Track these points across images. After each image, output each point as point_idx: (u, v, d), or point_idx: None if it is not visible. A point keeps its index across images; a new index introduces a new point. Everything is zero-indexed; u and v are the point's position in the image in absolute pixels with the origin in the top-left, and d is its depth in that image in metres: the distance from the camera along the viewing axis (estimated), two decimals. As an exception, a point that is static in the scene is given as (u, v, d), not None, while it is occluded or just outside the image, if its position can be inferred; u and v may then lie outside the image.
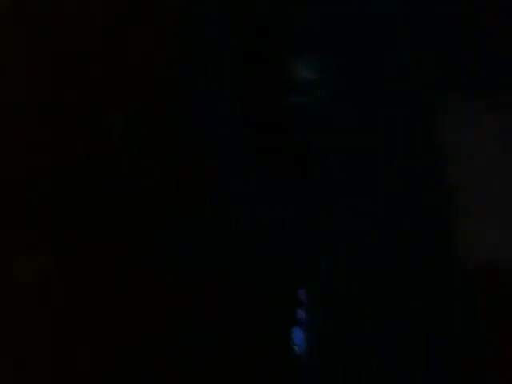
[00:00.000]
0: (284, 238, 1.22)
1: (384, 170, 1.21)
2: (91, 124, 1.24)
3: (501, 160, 1.19)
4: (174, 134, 1.27)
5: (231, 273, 1.20)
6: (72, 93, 1.24)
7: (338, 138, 1.25)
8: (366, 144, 1.23)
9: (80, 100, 1.24)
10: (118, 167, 1.24)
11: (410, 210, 1.18)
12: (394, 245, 1.19)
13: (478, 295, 1.14)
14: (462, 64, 1.22)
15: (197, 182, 1.25)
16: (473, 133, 1.20)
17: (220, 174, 1.26)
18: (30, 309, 1.17)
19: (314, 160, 1.26)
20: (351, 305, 1.17)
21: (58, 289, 1.18)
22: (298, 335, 1.16)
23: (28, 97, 1.22)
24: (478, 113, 1.20)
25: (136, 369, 1.16)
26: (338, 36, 1.25)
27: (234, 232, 1.23)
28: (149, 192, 1.23)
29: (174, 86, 1.27)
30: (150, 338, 1.17)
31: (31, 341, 1.16)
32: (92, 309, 1.18)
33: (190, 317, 1.18)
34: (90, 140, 1.24)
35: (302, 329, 1.17)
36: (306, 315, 1.16)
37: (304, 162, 1.27)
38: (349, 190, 1.23)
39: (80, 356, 1.16)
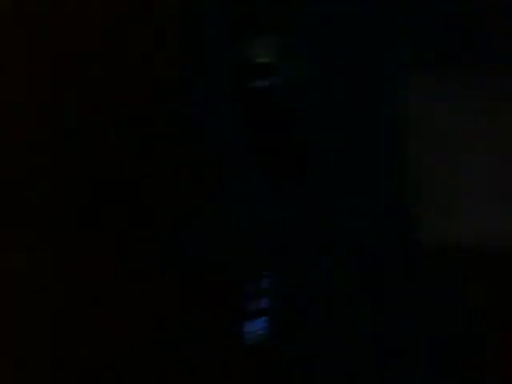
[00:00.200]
0: (284, 238, 1.22)
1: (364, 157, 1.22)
2: (91, 124, 1.24)
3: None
4: (174, 134, 1.27)
5: (231, 273, 1.20)
6: (72, 93, 1.24)
7: (328, 134, 1.25)
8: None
9: (80, 100, 1.24)
10: (118, 167, 1.24)
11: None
12: (393, 244, 1.20)
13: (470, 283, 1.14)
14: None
15: (197, 182, 1.25)
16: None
17: (220, 173, 1.27)
18: (30, 309, 1.17)
19: (313, 159, 1.26)
20: (351, 304, 1.17)
21: (58, 289, 1.18)
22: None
23: (28, 97, 1.22)
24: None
25: (136, 369, 1.16)
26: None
27: (234, 232, 1.23)
28: (149, 192, 1.23)
29: (174, 86, 1.27)
30: (150, 338, 1.17)
31: (31, 341, 1.16)
32: (92, 309, 1.18)
33: (190, 317, 1.18)
34: (89, 140, 1.24)
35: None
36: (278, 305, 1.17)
37: (304, 162, 1.27)
38: (348, 190, 1.24)
39: (80, 356, 1.15)
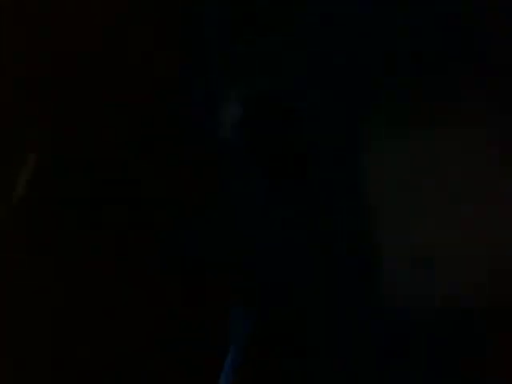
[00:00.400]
0: (284, 238, 1.22)
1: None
2: (91, 124, 1.24)
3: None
4: (174, 134, 1.27)
5: (231, 273, 1.20)
6: (72, 93, 1.24)
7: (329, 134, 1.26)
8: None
9: (80, 100, 1.24)
10: (118, 167, 1.24)
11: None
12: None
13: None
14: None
15: (197, 182, 1.25)
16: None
17: (220, 173, 1.27)
18: (30, 309, 1.17)
19: (313, 159, 1.26)
20: (352, 303, 1.17)
21: (57, 288, 1.18)
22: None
23: (28, 96, 1.22)
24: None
25: (136, 369, 1.16)
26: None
27: (234, 232, 1.23)
28: (149, 192, 1.23)
29: (174, 86, 1.27)
30: (150, 338, 1.17)
31: (31, 341, 1.16)
32: (92, 308, 1.18)
33: (190, 317, 1.18)
34: (89, 140, 1.24)
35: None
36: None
37: (304, 162, 1.27)
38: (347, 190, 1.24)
39: (80, 356, 1.15)
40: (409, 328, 1.15)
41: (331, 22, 1.28)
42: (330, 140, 1.27)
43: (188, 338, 1.18)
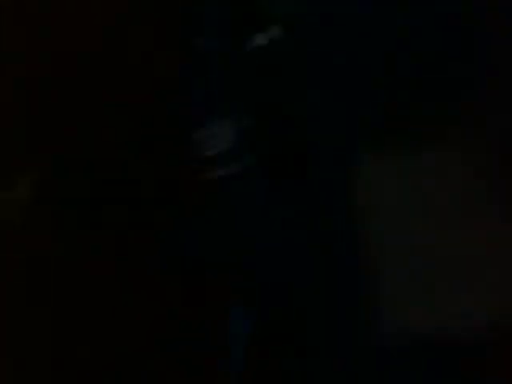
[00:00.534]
0: (284, 238, 1.22)
1: None
2: (91, 124, 1.24)
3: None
4: (174, 134, 1.27)
5: (231, 273, 1.20)
6: (72, 93, 1.24)
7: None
8: None
9: (80, 100, 1.24)
10: (118, 167, 1.24)
11: None
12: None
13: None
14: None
15: (197, 182, 1.25)
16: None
17: (220, 173, 1.27)
18: (30, 309, 1.17)
19: (313, 159, 1.26)
20: (352, 303, 1.17)
21: (57, 288, 1.18)
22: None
23: (28, 96, 1.23)
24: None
25: (136, 369, 1.16)
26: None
27: (234, 232, 1.23)
28: (149, 192, 1.23)
29: (174, 86, 1.27)
30: (150, 338, 1.17)
31: (31, 341, 1.16)
32: (92, 308, 1.18)
33: (190, 317, 1.18)
34: (89, 140, 1.24)
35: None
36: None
37: (304, 162, 1.27)
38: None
39: (80, 356, 1.15)
40: (408, 327, 1.15)
41: (331, 24, 1.28)
42: (330, 140, 1.27)
43: (188, 338, 1.18)
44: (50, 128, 1.24)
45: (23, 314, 1.17)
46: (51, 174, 1.24)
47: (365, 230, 1.21)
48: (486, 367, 1.11)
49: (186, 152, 1.26)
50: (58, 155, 1.24)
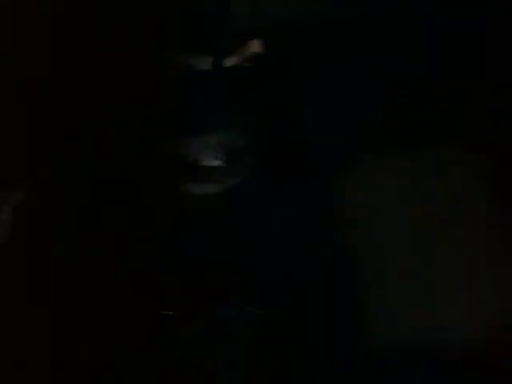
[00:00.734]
0: (284, 238, 1.22)
1: None
2: (91, 124, 1.24)
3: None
4: (174, 134, 1.27)
5: (231, 273, 1.20)
6: (72, 92, 1.24)
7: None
8: None
9: (80, 100, 1.24)
10: (118, 167, 1.24)
11: None
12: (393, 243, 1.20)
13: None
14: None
15: (197, 182, 1.25)
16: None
17: (220, 173, 1.27)
18: (30, 309, 1.17)
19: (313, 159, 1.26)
20: (352, 303, 1.17)
21: (57, 288, 1.18)
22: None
23: (28, 96, 1.23)
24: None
25: (136, 369, 1.16)
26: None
27: (234, 232, 1.23)
28: (149, 192, 1.23)
29: (174, 87, 1.27)
30: (150, 338, 1.17)
31: (31, 341, 1.16)
32: (92, 308, 1.18)
33: (190, 317, 1.18)
34: (89, 140, 1.24)
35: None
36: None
37: (304, 162, 1.27)
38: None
39: (80, 356, 1.15)
40: (408, 328, 1.15)
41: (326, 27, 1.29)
42: (330, 140, 1.27)
43: (187, 338, 1.18)
44: (50, 128, 1.24)
45: (23, 313, 1.17)
46: (51, 174, 1.24)
47: (365, 230, 1.21)
48: (486, 369, 1.11)
49: (186, 152, 1.26)
50: (58, 155, 1.24)
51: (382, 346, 1.13)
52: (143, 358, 1.16)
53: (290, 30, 1.32)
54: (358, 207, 1.23)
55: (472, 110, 1.27)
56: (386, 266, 1.18)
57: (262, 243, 1.22)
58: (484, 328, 1.11)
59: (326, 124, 1.28)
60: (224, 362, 1.16)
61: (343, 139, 1.26)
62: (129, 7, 1.26)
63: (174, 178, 1.24)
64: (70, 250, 1.20)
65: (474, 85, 1.27)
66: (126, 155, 1.24)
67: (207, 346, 1.17)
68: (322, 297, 1.18)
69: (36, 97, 1.23)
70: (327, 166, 1.27)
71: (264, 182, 1.24)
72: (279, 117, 1.28)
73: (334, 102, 1.28)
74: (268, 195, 1.24)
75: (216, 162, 1.25)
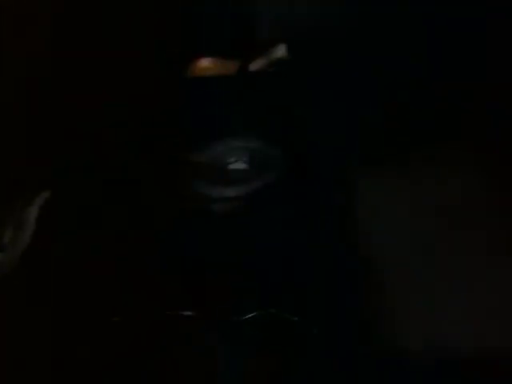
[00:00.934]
0: (284, 238, 1.22)
1: None
2: (91, 124, 1.24)
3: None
4: (174, 134, 1.27)
5: (231, 273, 1.20)
6: (72, 92, 1.24)
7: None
8: None
9: (80, 100, 1.24)
10: (118, 167, 1.24)
11: None
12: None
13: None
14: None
15: (197, 182, 1.25)
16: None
17: (220, 173, 1.27)
18: (30, 309, 1.17)
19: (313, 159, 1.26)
20: (352, 303, 1.17)
21: (58, 288, 1.18)
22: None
23: (28, 96, 1.23)
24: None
25: (136, 369, 1.16)
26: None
27: (234, 232, 1.23)
28: (149, 192, 1.23)
29: (174, 86, 1.27)
30: (150, 338, 1.17)
31: (31, 341, 1.16)
32: (92, 308, 1.18)
33: (190, 317, 1.18)
34: (89, 140, 1.24)
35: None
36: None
37: (304, 162, 1.27)
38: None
39: (80, 356, 1.15)
40: (409, 330, 1.15)
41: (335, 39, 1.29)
42: (330, 141, 1.27)
43: (188, 339, 1.18)
44: (50, 128, 1.24)
45: (23, 313, 1.17)
46: (51, 174, 1.24)
47: (365, 230, 1.21)
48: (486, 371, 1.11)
49: (186, 152, 1.26)
50: (58, 155, 1.24)
51: (382, 347, 1.13)
52: (143, 358, 1.16)
53: (309, 34, 1.33)
54: (359, 207, 1.23)
55: (472, 109, 1.27)
56: (385, 267, 1.19)
57: (261, 243, 1.22)
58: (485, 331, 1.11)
59: (348, 131, 1.28)
60: (224, 362, 1.16)
61: (356, 141, 1.27)
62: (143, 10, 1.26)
63: (177, 178, 1.24)
64: (70, 250, 1.20)
65: (474, 85, 1.27)
66: (133, 155, 1.24)
67: (207, 346, 1.17)
68: (322, 296, 1.18)
69: (36, 97, 1.23)
70: (328, 166, 1.27)
71: (282, 185, 1.24)
72: (299, 120, 1.29)
73: (356, 109, 1.29)
74: (268, 195, 1.24)
75: (238, 165, 1.25)
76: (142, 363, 1.15)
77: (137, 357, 1.15)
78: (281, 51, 1.31)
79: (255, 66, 1.31)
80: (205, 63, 1.29)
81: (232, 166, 1.26)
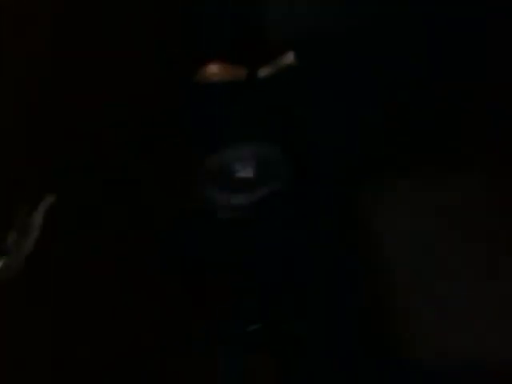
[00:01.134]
0: (284, 238, 1.22)
1: None
2: (91, 124, 1.24)
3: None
4: (174, 134, 1.27)
5: (231, 273, 1.20)
6: (72, 93, 1.24)
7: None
8: None
9: (80, 100, 1.24)
10: (118, 167, 1.24)
11: None
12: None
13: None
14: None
15: (197, 182, 1.25)
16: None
17: (220, 173, 1.27)
18: (30, 309, 1.17)
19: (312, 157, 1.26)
20: (352, 303, 1.17)
21: (57, 288, 1.18)
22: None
23: (28, 97, 1.22)
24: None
25: (136, 369, 1.16)
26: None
27: (234, 232, 1.23)
28: (149, 192, 1.24)
29: (175, 86, 1.27)
30: (150, 338, 1.17)
31: (31, 341, 1.16)
32: (92, 308, 1.18)
33: (190, 316, 1.18)
34: (89, 140, 1.24)
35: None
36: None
37: (304, 162, 1.27)
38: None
39: (80, 356, 1.15)
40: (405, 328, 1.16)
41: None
42: (330, 141, 1.27)
43: (188, 338, 1.18)
44: (50, 128, 1.24)
45: (23, 313, 1.17)
46: (50, 174, 1.24)
47: (365, 230, 1.21)
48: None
49: (186, 152, 1.26)
50: (58, 155, 1.24)
51: (383, 347, 1.13)
52: (143, 358, 1.16)
53: (310, 35, 1.33)
54: (359, 207, 1.23)
55: (472, 109, 1.27)
56: (385, 267, 1.19)
57: (261, 243, 1.22)
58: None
59: (348, 131, 1.28)
60: (224, 363, 1.16)
61: (356, 142, 1.27)
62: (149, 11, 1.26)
63: (177, 178, 1.25)
64: (70, 250, 1.20)
65: (474, 85, 1.27)
66: (133, 155, 1.24)
67: (207, 346, 1.17)
68: (322, 297, 1.18)
69: (36, 97, 1.23)
70: (328, 166, 1.27)
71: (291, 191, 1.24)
72: (300, 121, 1.29)
73: (357, 109, 1.29)
74: (268, 195, 1.25)
75: (245, 173, 1.25)
76: (141, 363, 1.15)
77: (137, 357, 1.15)
78: (289, 58, 1.31)
79: (263, 72, 1.32)
80: (213, 69, 1.30)
81: (239, 174, 1.26)
